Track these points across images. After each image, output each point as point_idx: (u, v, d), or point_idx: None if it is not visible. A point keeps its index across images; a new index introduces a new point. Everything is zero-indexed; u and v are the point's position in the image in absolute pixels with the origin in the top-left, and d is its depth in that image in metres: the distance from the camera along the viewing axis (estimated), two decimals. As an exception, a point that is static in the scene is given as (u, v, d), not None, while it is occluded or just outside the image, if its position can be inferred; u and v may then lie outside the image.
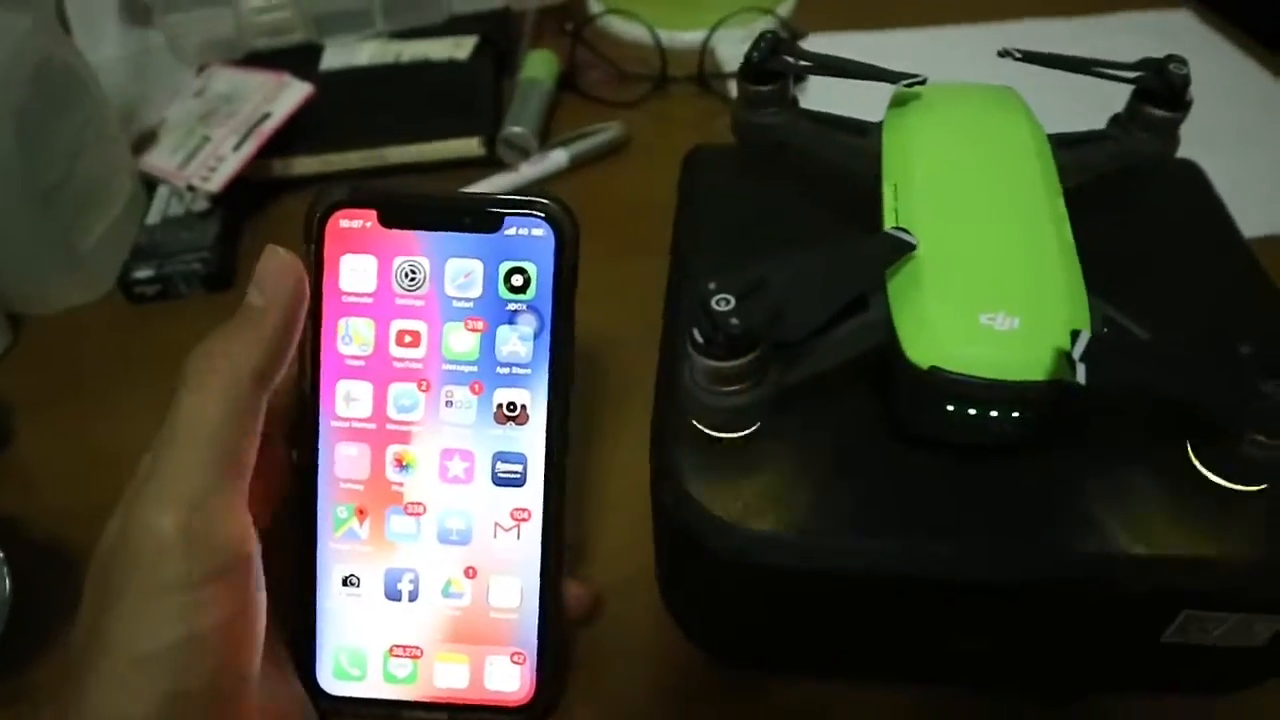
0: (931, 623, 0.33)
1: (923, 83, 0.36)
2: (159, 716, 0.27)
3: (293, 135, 0.59)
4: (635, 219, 0.44)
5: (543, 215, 0.33)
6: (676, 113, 0.67)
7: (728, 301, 0.27)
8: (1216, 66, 0.69)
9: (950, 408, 0.29)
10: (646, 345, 0.38)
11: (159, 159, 0.58)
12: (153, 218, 0.57)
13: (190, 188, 0.56)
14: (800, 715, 0.36)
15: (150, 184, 0.59)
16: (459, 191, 0.54)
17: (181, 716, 0.28)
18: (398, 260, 0.33)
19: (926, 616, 0.33)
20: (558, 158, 0.61)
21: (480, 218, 0.33)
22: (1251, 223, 0.41)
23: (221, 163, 0.56)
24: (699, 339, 0.27)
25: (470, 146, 0.61)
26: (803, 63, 0.38)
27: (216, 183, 0.55)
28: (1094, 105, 0.40)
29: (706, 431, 0.31)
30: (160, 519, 0.28)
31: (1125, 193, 0.40)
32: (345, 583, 0.35)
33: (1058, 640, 0.33)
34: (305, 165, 0.60)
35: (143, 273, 0.54)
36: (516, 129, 0.62)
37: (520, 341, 0.33)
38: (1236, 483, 0.28)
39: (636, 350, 0.37)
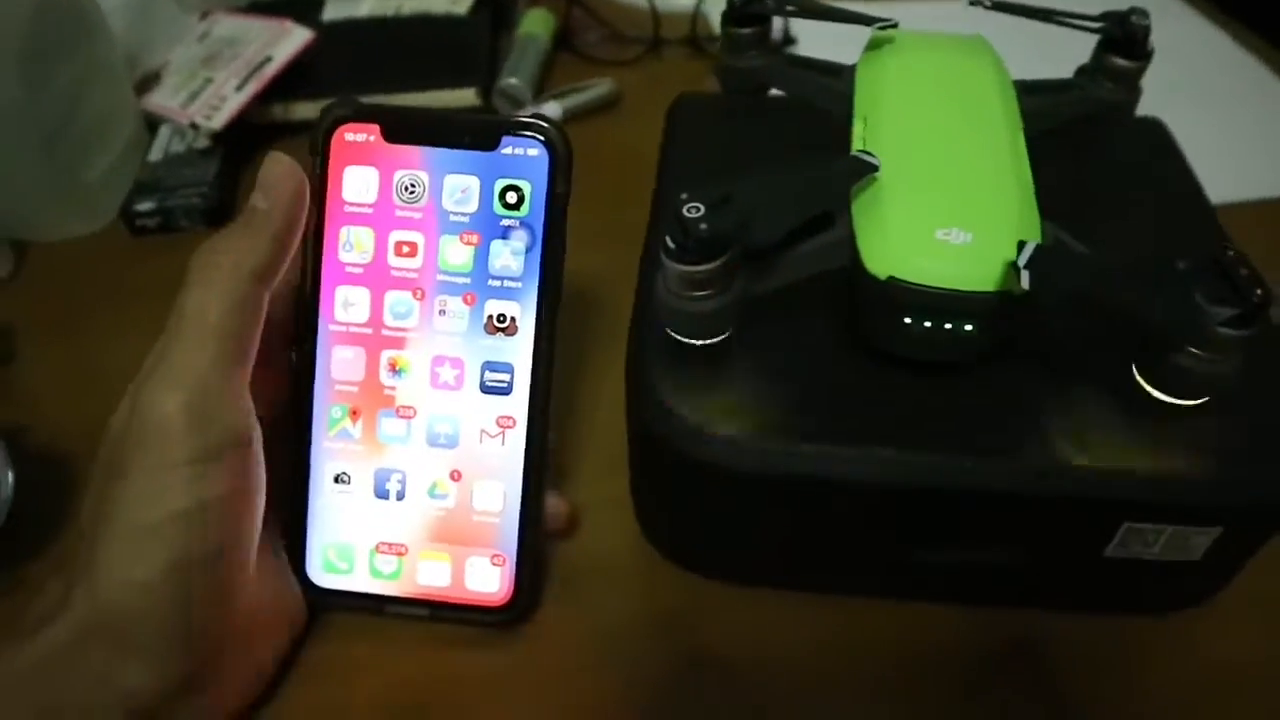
0: (889, 533, 0.35)
1: (895, 26, 0.38)
2: (163, 581, 0.29)
3: (293, 81, 0.60)
4: (625, 171, 0.45)
5: (538, 136, 0.34)
6: (668, 73, 0.68)
7: (698, 209, 0.29)
8: (1183, 31, 0.71)
9: (907, 319, 0.31)
10: (629, 285, 0.39)
11: (163, 98, 0.59)
12: (155, 154, 0.58)
13: (193, 125, 0.57)
14: (770, 629, 0.37)
15: (153, 124, 0.61)
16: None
17: (184, 582, 0.30)
18: (398, 174, 0.35)
19: (884, 526, 0.35)
20: (551, 110, 0.62)
21: (478, 136, 0.34)
22: (1214, 188, 0.43)
23: (224, 102, 0.58)
24: (670, 245, 0.29)
25: (466, 97, 0.63)
26: (782, 5, 0.40)
27: (219, 120, 0.57)
28: (1067, 61, 0.41)
29: (677, 339, 0.32)
30: (166, 399, 0.30)
31: (1090, 143, 0.42)
32: (337, 480, 0.36)
33: (1006, 552, 0.35)
34: (304, 110, 0.61)
35: (144, 205, 0.55)
36: (512, 80, 0.63)
37: (512, 256, 0.35)
38: (1175, 396, 0.30)
39: (624, 290, 0.38)
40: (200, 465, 0.30)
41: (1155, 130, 0.46)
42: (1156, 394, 0.31)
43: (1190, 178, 0.43)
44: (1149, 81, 0.41)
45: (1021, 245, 0.29)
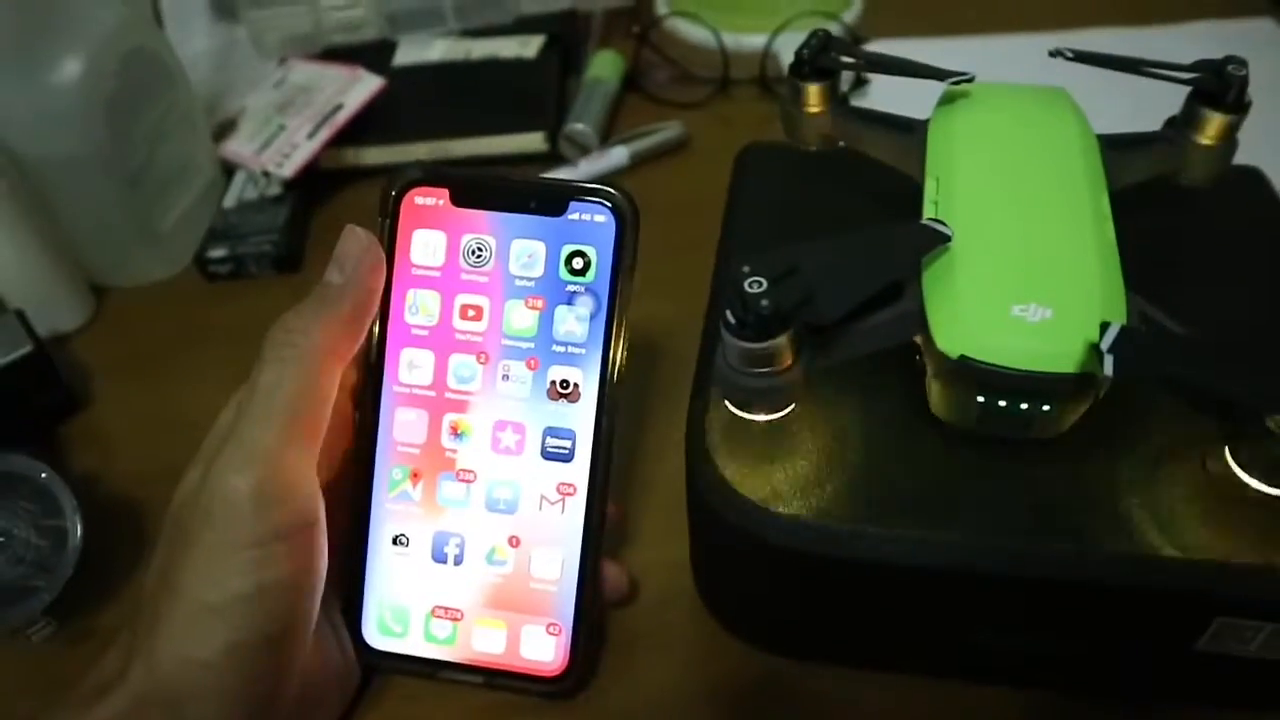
0: (958, 617, 0.33)
1: (970, 80, 0.36)
2: (222, 661, 0.29)
3: (364, 126, 0.61)
4: (693, 217, 0.45)
5: (606, 202, 0.34)
6: (737, 114, 0.67)
7: (760, 284, 0.27)
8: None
9: (980, 398, 0.29)
10: (694, 335, 0.38)
11: (237, 145, 0.61)
12: (229, 201, 0.60)
13: (265, 173, 0.58)
14: (829, 707, 0.36)
15: (229, 169, 0.62)
16: (527, 176, 0.55)
17: (242, 663, 0.30)
18: (466, 238, 0.35)
19: (953, 610, 0.33)
20: (618, 154, 0.62)
21: (546, 201, 0.34)
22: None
23: (295, 150, 0.59)
24: (731, 320, 0.28)
25: (534, 141, 0.63)
26: (851, 59, 0.38)
27: (290, 168, 0.58)
28: (1157, 111, 0.39)
29: (739, 414, 0.31)
30: (237, 479, 0.30)
31: (1182, 197, 0.39)
32: (395, 541, 0.36)
33: (1087, 642, 0.33)
34: (374, 155, 0.62)
35: (217, 252, 0.56)
36: (579, 125, 0.63)
37: (577, 322, 0.34)
38: (1272, 485, 0.28)
39: (688, 341, 0.38)
40: (265, 548, 0.30)
41: (1253, 180, 0.43)
42: (1254, 484, 0.28)
43: (1291, 232, 0.40)
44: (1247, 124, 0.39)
45: (1105, 327, 0.27)
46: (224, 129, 0.64)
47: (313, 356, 0.32)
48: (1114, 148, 0.36)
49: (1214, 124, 0.37)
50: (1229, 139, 0.37)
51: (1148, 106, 0.40)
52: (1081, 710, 0.35)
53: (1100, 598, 0.30)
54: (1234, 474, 0.29)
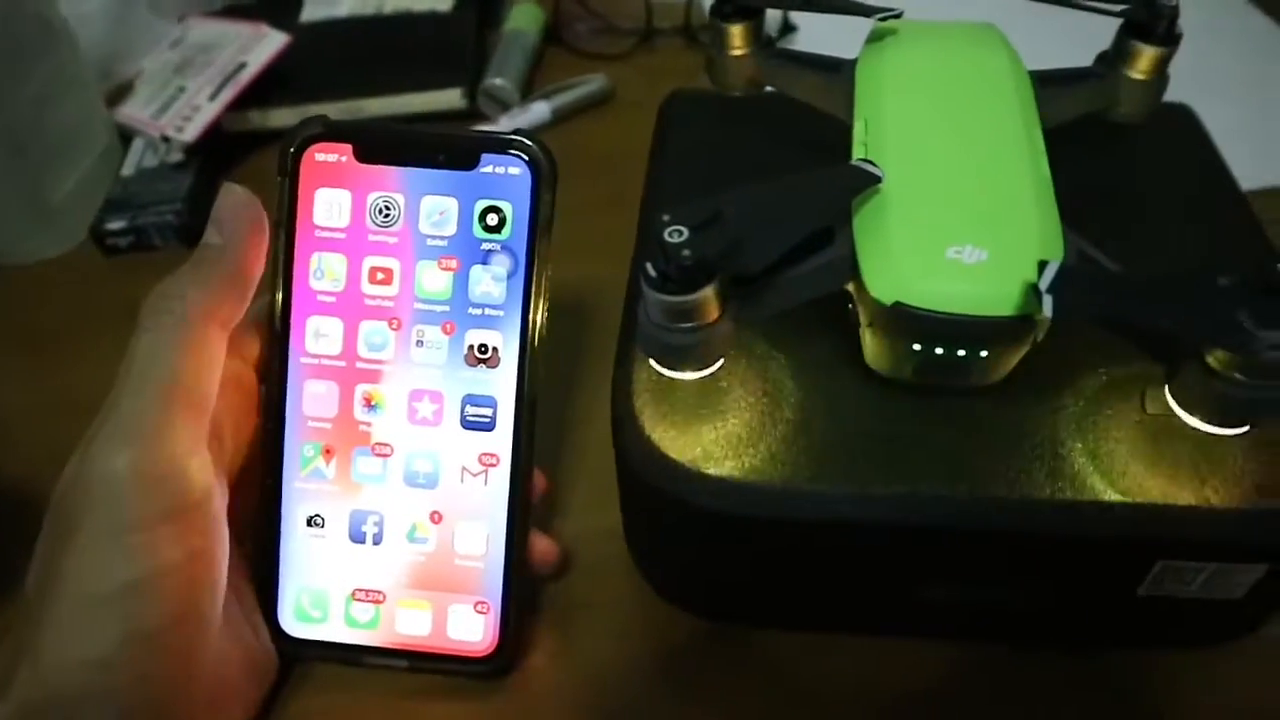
0: (896, 574, 0.32)
1: (898, 16, 0.34)
2: (115, 658, 0.27)
3: (270, 87, 0.58)
4: (618, 172, 0.43)
5: (520, 154, 0.32)
6: (662, 66, 0.65)
7: (681, 233, 0.26)
8: (1216, 11, 0.67)
9: (916, 346, 0.28)
10: (621, 295, 0.36)
11: (134, 109, 0.57)
12: (127, 169, 0.56)
13: (165, 138, 0.55)
14: (771, 671, 0.35)
15: (126, 136, 0.58)
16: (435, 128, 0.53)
17: (138, 659, 0.27)
18: (372, 196, 0.33)
19: (891, 567, 0.32)
20: (539, 110, 0.59)
21: (457, 155, 0.33)
22: (1246, 174, 0.40)
23: (196, 112, 0.55)
24: (651, 272, 0.26)
25: (451, 98, 0.60)
26: (775, -4, 0.37)
27: (191, 132, 0.54)
28: (1086, 47, 0.38)
29: (665, 373, 0.30)
30: (114, 459, 0.27)
31: (1113, 133, 0.39)
32: (310, 523, 0.34)
33: (1031, 592, 0.32)
34: (282, 117, 0.59)
35: (116, 224, 0.53)
36: (498, 81, 0.60)
37: (494, 282, 0.33)
38: (1215, 425, 0.27)
39: (615, 300, 0.36)
40: (151, 531, 0.28)
41: (1183, 117, 0.42)
42: (1194, 422, 0.28)
43: (1224, 170, 0.40)
44: (1174, 65, 0.38)
45: (1043, 266, 0.26)
46: (120, 93, 0.60)
47: (192, 322, 0.29)
48: (1045, 84, 0.34)
49: (1146, 57, 0.36)
50: (1161, 73, 0.36)
51: (1078, 43, 0.39)
52: (1028, 661, 0.35)
53: (1044, 546, 0.30)
54: (1174, 413, 0.28)
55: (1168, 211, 0.38)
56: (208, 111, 0.55)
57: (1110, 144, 0.40)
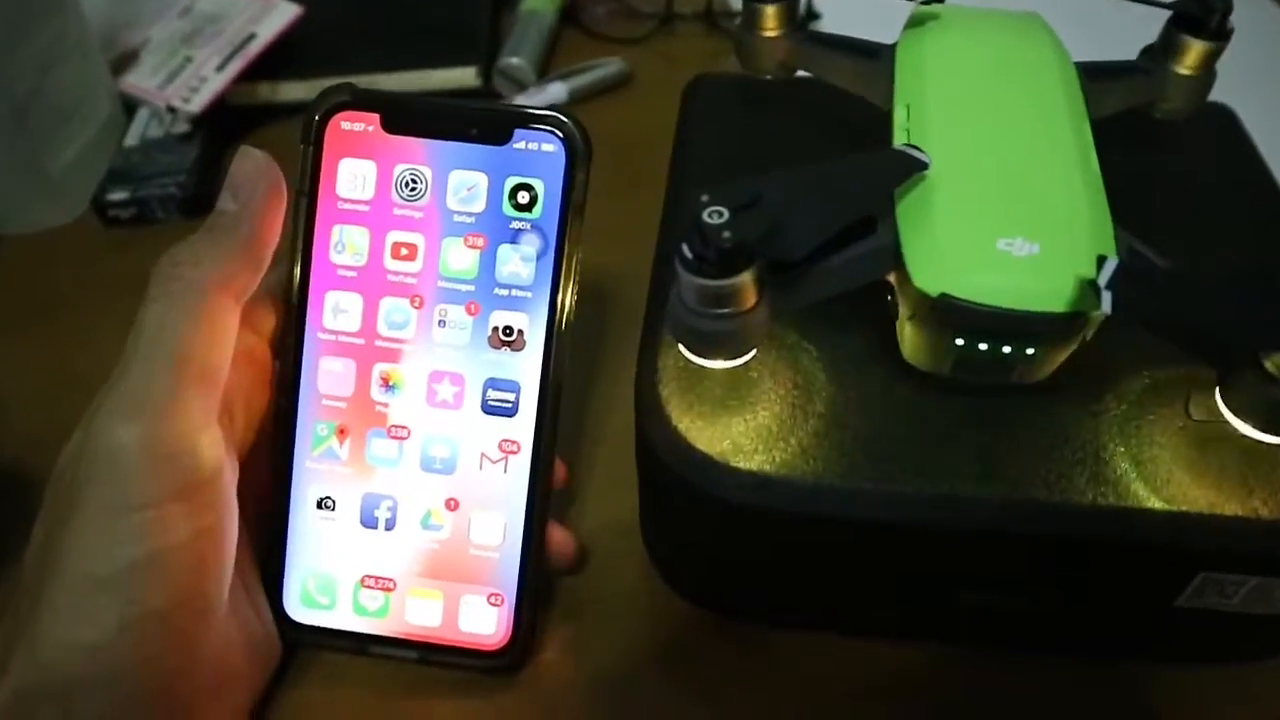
0: (926, 576, 0.31)
1: (942, 0, 0.33)
2: (114, 642, 0.26)
3: (280, 59, 0.57)
4: (635, 157, 0.42)
5: (556, 130, 0.31)
6: (681, 51, 0.64)
7: (721, 214, 0.24)
8: (1253, 18, 0.66)
9: (960, 341, 0.27)
10: (644, 281, 0.35)
11: (139, 79, 0.55)
12: (131, 139, 0.54)
13: (170, 109, 0.53)
14: (789, 673, 0.34)
15: (131, 106, 0.57)
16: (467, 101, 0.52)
17: (141, 642, 0.26)
18: (399, 168, 0.32)
19: (921, 570, 0.31)
20: (556, 91, 0.58)
21: (489, 128, 0.32)
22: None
23: (204, 84, 0.54)
24: (688, 254, 0.25)
25: (465, 76, 0.59)
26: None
27: (198, 104, 0.53)
28: (1129, 42, 0.37)
29: (694, 360, 0.29)
30: (120, 431, 0.26)
31: (1155, 131, 0.37)
32: (320, 505, 0.33)
33: (1065, 600, 0.31)
34: (292, 91, 0.57)
35: (118, 195, 0.51)
36: (514, 60, 0.59)
37: (522, 262, 0.32)
38: (1269, 433, 0.26)
39: (636, 285, 0.35)
40: (158, 508, 0.26)
41: (1224, 118, 0.41)
42: (1245, 429, 0.27)
43: (1265, 171, 0.39)
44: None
45: (1101, 261, 0.25)
46: (125, 61, 0.58)
47: (204, 291, 0.28)
48: (1090, 76, 0.33)
49: (1194, 52, 0.35)
50: (1208, 69, 0.35)
51: (1121, 37, 0.38)
52: (1050, 670, 0.34)
53: (1081, 553, 0.29)
54: (1222, 419, 0.27)
55: (1208, 212, 0.37)
56: (215, 83, 0.54)
57: (1150, 141, 0.38)
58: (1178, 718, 0.33)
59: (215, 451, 0.28)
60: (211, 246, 0.29)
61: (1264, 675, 0.33)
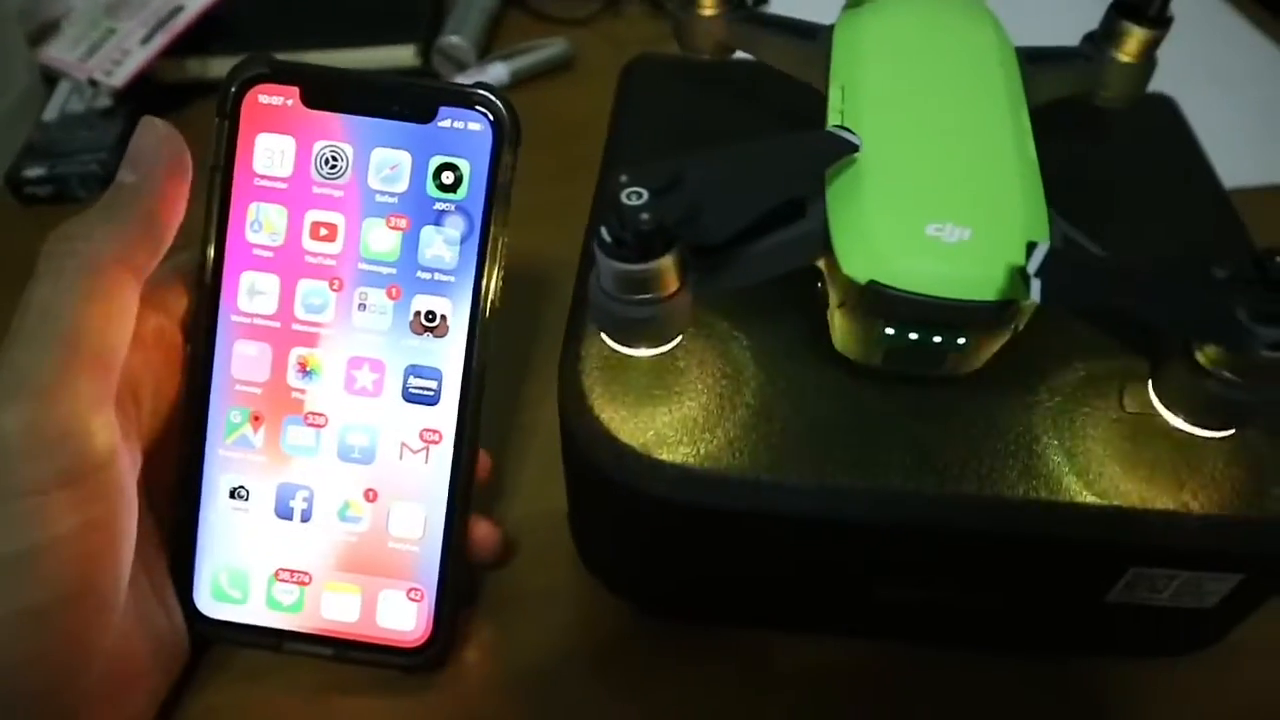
0: (856, 571, 0.30)
1: (881, -21, 0.32)
2: (2, 637, 0.24)
3: (210, 34, 0.55)
4: (576, 140, 0.41)
5: (483, 109, 0.30)
6: (626, 33, 0.63)
7: (639, 195, 0.23)
8: (1194, 10, 0.66)
9: (889, 330, 0.26)
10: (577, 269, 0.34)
11: (59, 50, 0.53)
12: (50, 114, 0.52)
13: (92, 82, 0.51)
14: (718, 669, 0.33)
15: (51, 79, 0.54)
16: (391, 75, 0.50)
17: (23, 641, 0.25)
18: (318, 144, 0.30)
19: (856, 564, 0.30)
20: (497, 72, 0.57)
21: (413, 105, 0.30)
22: (1223, 172, 0.39)
23: (127, 57, 0.52)
24: (607, 238, 0.24)
25: (404, 55, 0.57)
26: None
27: (120, 77, 0.51)
28: (1070, 27, 0.37)
29: (618, 349, 0.27)
30: (3, 416, 0.24)
31: (1095, 119, 0.37)
32: (233, 495, 0.32)
33: (994, 594, 0.31)
34: (222, 67, 0.53)
35: (34, 171, 0.49)
36: (454, 39, 0.57)
37: (446, 245, 0.30)
38: (1200, 427, 0.26)
39: (569, 273, 0.34)
40: (46, 494, 0.25)
41: (1165, 108, 0.41)
42: (1176, 422, 0.26)
43: (1203, 162, 0.38)
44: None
45: (1031, 247, 0.24)
46: (45, 32, 0.56)
47: (98, 268, 0.27)
48: (1030, 62, 0.33)
49: (1135, 39, 0.34)
50: (1149, 56, 0.35)
51: (1062, 22, 0.37)
52: (984, 664, 0.33)
53: (1013, 548, 0.28)
54: (1155, 413, 0.27)
55: (1145, 201, 0.36)
56: (139, 56, 0.52)
57: (1090, 129, 0.38)
58: (1107, 709, 0.33)
59: (108, 437, 0.26)
60: (107, 221, 0.28)
61: (1191, 667, 0.33)
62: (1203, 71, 0.58)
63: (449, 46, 0.57)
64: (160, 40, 0.52)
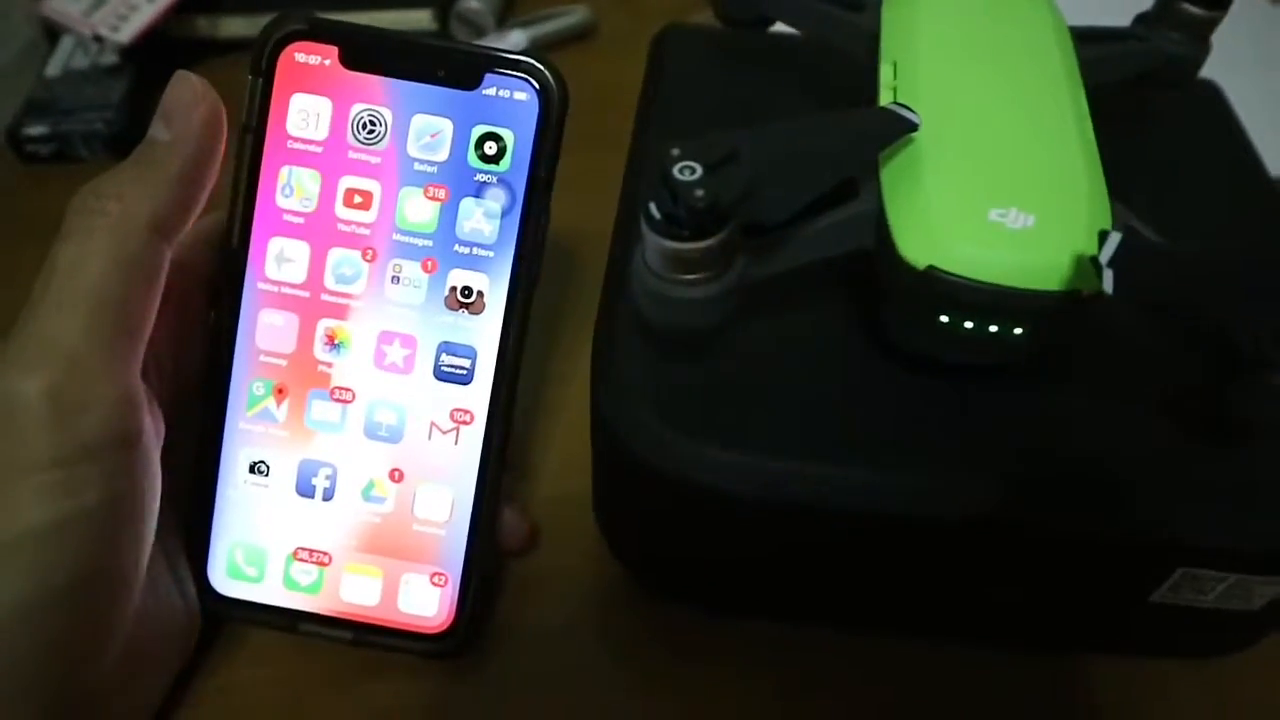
0: (897, 566, 0.29)
1: (933, -50, 0.31)
2: (18, 615, 0.23)
3: (221, -11, 0.53)
4: (600, 111, 0.40)
5: (530, 77, 0.29)
6: (649, 2, 0.61)
7: (693, 170, 0.22)
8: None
9: (944, 318, 0.25)
10: (604, 244, 0.33)
11: (62, 3, 0.51)
12: (53, 69, 0.50)
13: (97, 37, 0.49)
14: (744, 661, 0.32)
15: (54, 33, 0.53)
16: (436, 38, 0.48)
17: (43, 616, 0.24)
18: (356, 108, 0.29)
19: (892, 559, 0.29)
20: (517, 38, 0.55)
21: (458, 70, 0.29)
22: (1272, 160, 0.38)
23: (134, 12, 0.50)
24: (656, 214, 0.23)
25: (420, 19, 0.55)
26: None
27: (127, 33, 0.49)
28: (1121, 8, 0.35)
29: (658, 330, 0.26)
30: (26, 381, 0.23)
31: (1139, 104, 0.36)
32: (253, 469, 0.31)
33: (1039, 592, 0.30)
34: (234, 26, 0.54)
35: (36, 129, 0.47)
36: (473, 4, 0.56)
37: (485, 218, 0.29)
38: (1264, 426, 0.25)
39: (594, 249, 0.33)
40: (71, 468, 0.24)
41: (1211, 95, 0.40)
42: (1239, 419, 0.25)
43: (1251, 151, 0.37)
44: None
45: (1103, 236, 0.23)
46: (47, -15, 0.54)
47: (128, 228, 0.25)
48: (1082, 42, 0.31)
49: (1190, 21, 0.33)
50: (1204, 40, 0.34)
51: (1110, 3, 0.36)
52: (1013, 662, 0.32)
53: (1062, 547, 0.27)
54: (1212, 413, 0.26)
55: (1190, 189, 0.35)
56: (147, 12, 0.50)
57: (1133, 114, 0.37)
58: (1138, 707, 0.32)
59: (135, 407, 0.25)
60: (139, 180, 0.26)
61: (1221, 667, 0.32)
62: (1248, 57, 0.56)
63: (468, 11, 0.56)
64: (169, -4, 0.50)
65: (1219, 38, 0.35)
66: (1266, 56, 0.59)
